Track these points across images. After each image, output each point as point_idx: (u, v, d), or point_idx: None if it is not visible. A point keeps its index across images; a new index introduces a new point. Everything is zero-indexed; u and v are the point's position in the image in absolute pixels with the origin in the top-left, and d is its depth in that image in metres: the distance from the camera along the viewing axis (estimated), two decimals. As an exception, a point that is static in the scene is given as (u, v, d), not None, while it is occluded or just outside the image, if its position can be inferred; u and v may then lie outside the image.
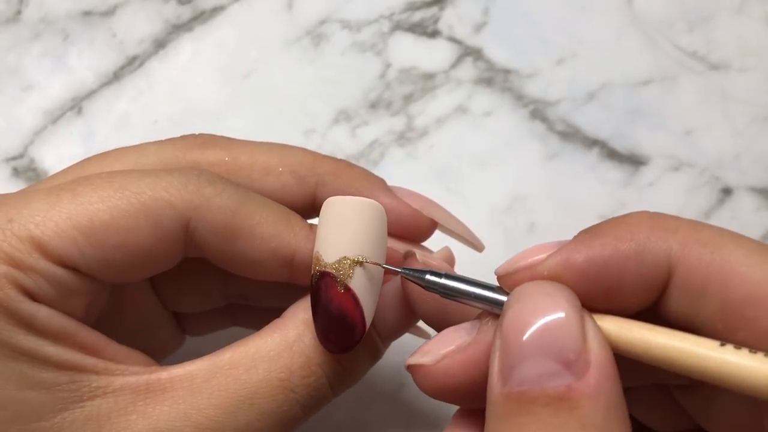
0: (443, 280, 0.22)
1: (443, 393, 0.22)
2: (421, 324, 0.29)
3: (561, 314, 0.19)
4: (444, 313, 0.25)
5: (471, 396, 0.21)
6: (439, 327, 0.25)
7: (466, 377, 0.21)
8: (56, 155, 0.40)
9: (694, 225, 0.20)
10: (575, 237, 0.21)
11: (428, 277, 0.23)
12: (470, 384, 0.21)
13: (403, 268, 0.24)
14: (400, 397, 0.37)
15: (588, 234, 0.21)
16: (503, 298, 0.21)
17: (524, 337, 0.19)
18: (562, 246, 0.21)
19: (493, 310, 0.22)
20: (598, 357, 0.18)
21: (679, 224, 0.20)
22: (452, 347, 0.22)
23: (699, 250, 0.20)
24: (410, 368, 0.22)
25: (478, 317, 0.23)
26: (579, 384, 0.18)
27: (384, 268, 0.24)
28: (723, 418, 0.22)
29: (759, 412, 0.20)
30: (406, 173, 0.40)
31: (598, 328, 0.19)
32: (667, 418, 0.24)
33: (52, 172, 0.39)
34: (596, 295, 0.20)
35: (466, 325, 0.22)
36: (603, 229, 0.21)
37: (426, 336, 0.31)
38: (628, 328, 0.20)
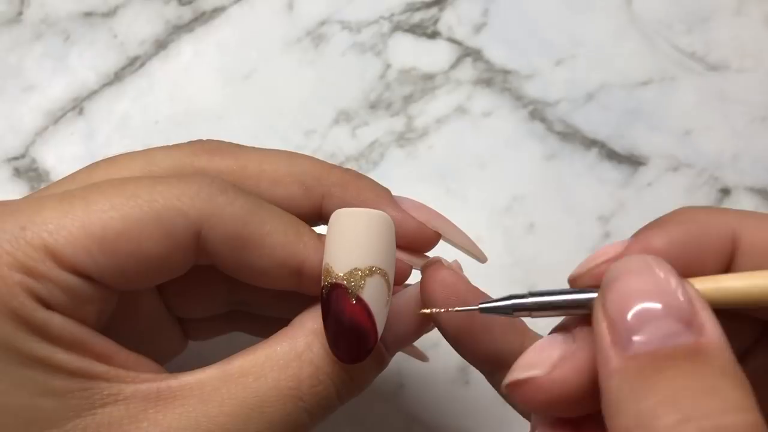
0: (530, 300, 0.23)
1: (556, 404, 0.22)
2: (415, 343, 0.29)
3: (668, 279, 0.20)
4: (468, 321, 0.25)
5: (586, 402, 0.21)
6: (457, 336, 0.25)
7: (584, 384, 0.21)
8: (57, 156, 0.40)
9: (738, 210, 0.23)
10: (639, 232, 0.23)
11: (513, 302, 0.23)
12: (585, 390, 0.21)
13: (481, 306, 0.23)
14: (399, 397, 0.37)
15: (651, 227, 0.23)
16: (593, 295, 0.22)
17: (636, 304, 0.20)
18: (636, 238, 0.22)
19: (574, 314, 0.23)
20: (708, 316, 0.19)
21: (726, 209, 0.23)
22: (556, 357, 0.22)
23: (753, 221, 0.22)
24: (516, 384, 0.22)
25: (564, 329, 0.23)
26: (704, 340, 0.19)
27: (459, 311, 0.24)
28: (762, 396, 0.23)
29: None
30: (406, 173, 0.40)
31: (697, 291, 0.20)
32: None
33: (53, 173, 0.39)
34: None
35: (556, 337, 0.23)
36: (662, 221, 0.23)
37: (420, 356, 0.32)
38: (714, 281, 0.21)
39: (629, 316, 0.20)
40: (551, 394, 0.22)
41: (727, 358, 0.19)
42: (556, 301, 0.23)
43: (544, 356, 0.22)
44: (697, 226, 0.22)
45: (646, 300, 0.20)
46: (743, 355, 0.24)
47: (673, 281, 0.20)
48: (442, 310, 0.24)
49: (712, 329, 0.19)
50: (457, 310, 0.24)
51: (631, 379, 0.19)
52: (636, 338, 0.19)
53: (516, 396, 0.23)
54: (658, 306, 0.19)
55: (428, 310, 0.24)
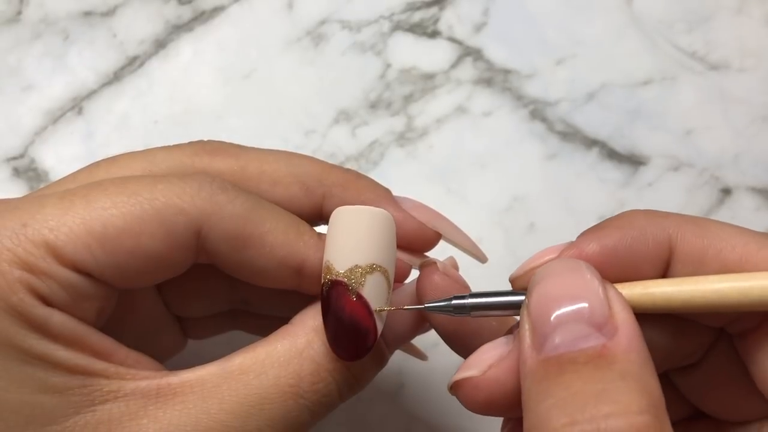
0: (470, 301, 0.23)
1: (492, 404, 0.23)
2: (413, 341, 0.29)
3: (585, 283, 0.21)
4: (458, 321, 0.25)
5: (520, 403, 0.21)
6: (451, 336, 0.25)
7: (514, 384, 0.22)
8: (56, 155, 0.40)
9: (680, 214, 0.23)
10: (579, 236, 0.23)
11: (455, 302, 0.24)
12: (518, 390, 0.21)
13: (426, 304, 0.24)
14: (399, 397, 0.37)
15: (591, 230, 0.23)
16: (523, 297, 0.22)
17: (554, 307, 0.20)
18: (572, 243, 0.23)
19: (509, 314, 0.23)
20: (624, 319, 0.20)
21: (668, 213, 0.23)
22: (495, 357, 0.23)
23: (691, 227, 0.22)
24: (457, 385, 0.23)
25: (510, 331, 0.24)
26: (612, 343, 0.19)
27: (405, 309, 0.25)
28: (721, 396, 0.24)
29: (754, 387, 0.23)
30: (406, 173, 0.40)
31: (620, 294, 0.21)
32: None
33: (52, 173, 0.39)
34: (611, 279, 0.22)
35: (501, 339, 0.23)
36: (603, 224, 0.23)
37: (420, 355, 0.32)
38: (643, 287, 0.22)
39: (547, 319, 0.20)
40: (486, 393, 0.23)
41: (633, 361, 0.19)
42: (491, 302, 0.23)
43: (484, 357, 0.23)
44: (634, 232, 0.22)
45: (563, 303, 0.20)
46: (702, 358, 0.24)
47: (593, 285, 0.21)
48: (393, 308, 0.25)
49: (625, 333, 0.20)
50: (405, 309, 0.25)
51: (538, 381, 0.20)
52: (549, 341, 0.20)
53: (457, 396, 0.23)
54: (573, 309, 0.20)
55: (379, 308, 0.24)
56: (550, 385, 0.19)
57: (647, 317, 0.22)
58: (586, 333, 0.20)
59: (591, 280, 0.21)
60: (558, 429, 0.18)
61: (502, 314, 0.23)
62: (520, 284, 0.23)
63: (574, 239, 0.24)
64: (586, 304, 0.20)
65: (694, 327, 0.24)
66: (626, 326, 0.20)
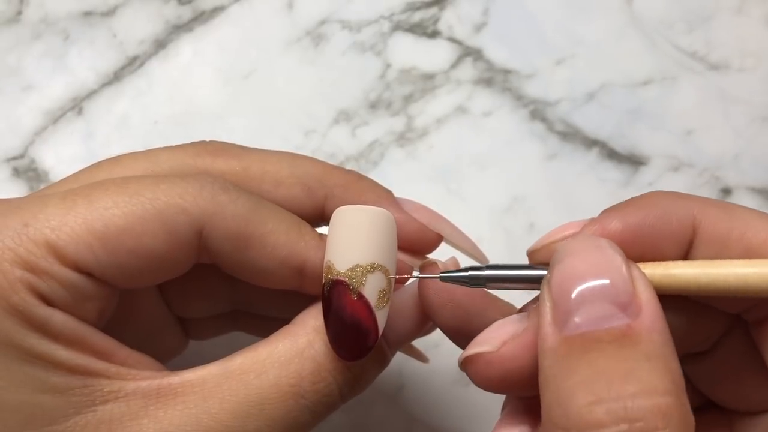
0: (486, 272, 0.23)
1: (505, 381, 0.23)
2: (413, 343, 0.29)
3: (609, 261, 0.20)
4: (463, 320, 0.25)
5: (534, 379, 0.21)
6: (456, 334, 0.25)
7: (529, 361, 0.22)
8: (56, 155, 0.40)
9: (702, 197, 0.23)
10: (602, 213, 0.23)
11: (471, 273, 0.23)
12: (532, 367, 0.21)
13: (441, 273, 0.24)
14: (399, 398, 0.37)
15: (613, 208, 0.23)
16: (544, 272, 0.22)
17: (577, 284, 0.20)
18: (594, 219, 0.23)
19: (527, 288, 0.23)
20: (648, 299, 0.20)
21: (691, 195, 0.23)
22: (509, 334, 0.22)
23: (715, 209, 0.22)
24: (468, 360, 0.23)
25: (522, 309, 0.24)
26: (636, 323, 0.19)
27: (419, 278, 0.25)
28: (732, 385, 0.24)
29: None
30: (406, 173, 0.40)
31: (643, 273, 0.21)
32: None
33: (52, 173, 0.39)
34: (632, 257, 0.22)
35: (514, 316, 0.23)
36: (626, 203, 0.23)
37: (421, 357, 0.32)
38: (665, 267, 0.22)
39: (570, 296, 0.20)
40: (499, 370, 0.22)
41: (656, 342, 0.19)
42: (510, 275, 0.23)
43: (498, 334, 0.23)
44: (658, 211, 0.22)
45: (587, 281, 0.20)
46: (714, 345, 0.24)
47: (617, 264, 0.20)
48: (406, 276, 0.24)
49: (648, 313, 0.20)
50: (418, 277, 0.25)
51: (560, 359, 0.20)
52: (572, 319, 0.20)
53: (468, 372, 0.23)
54: (597, 288, 0.20)
55: (386, 284, 0.24)
56: (573, 363, 0.19)
57: (664, 299, 0.21)
58: (610, 312, 0.19)
59: (615, 259, 0.20)
60: (582, 407, 0.18)
61: (518, 287, 0.23)
62: (538, 258, 0.23)
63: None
64: (609, 283, 0.20)
65: (710, 312, 0.23)
66: (650, 306, 0.20)
